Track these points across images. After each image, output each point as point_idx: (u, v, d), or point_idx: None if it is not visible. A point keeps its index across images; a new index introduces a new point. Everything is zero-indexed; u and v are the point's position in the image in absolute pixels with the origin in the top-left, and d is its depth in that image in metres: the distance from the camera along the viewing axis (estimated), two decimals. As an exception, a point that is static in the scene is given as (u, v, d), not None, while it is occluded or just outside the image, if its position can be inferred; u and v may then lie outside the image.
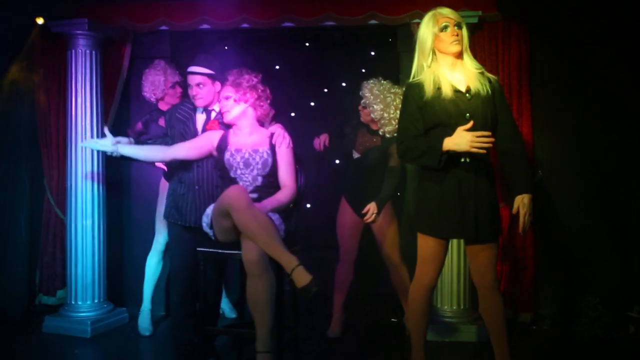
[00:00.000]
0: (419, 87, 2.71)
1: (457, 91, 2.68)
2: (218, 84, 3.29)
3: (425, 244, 2.77)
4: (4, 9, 3.92)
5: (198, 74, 3.24)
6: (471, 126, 2.59)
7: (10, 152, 4.19)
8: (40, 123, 4.23)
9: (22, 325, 4.08)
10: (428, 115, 2.68)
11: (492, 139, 2.61)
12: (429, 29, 2.71)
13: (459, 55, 2.72)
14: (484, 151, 2.60)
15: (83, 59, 3.95)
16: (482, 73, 2.74)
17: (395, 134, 3.60)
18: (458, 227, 2.68)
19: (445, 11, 2.72)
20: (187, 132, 3.31)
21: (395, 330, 4.00)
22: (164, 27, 4.10)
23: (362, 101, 3.70)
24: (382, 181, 3.69)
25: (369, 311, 4.45)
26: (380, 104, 3.61)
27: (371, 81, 3.70)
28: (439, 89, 2.67)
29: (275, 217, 3.02)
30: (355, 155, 3.79)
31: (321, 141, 3.82)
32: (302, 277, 2.80)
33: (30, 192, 4.27)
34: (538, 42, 3.94)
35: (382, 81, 3.69)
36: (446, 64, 2.72)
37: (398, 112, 3.55)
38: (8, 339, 3.85)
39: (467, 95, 2.68)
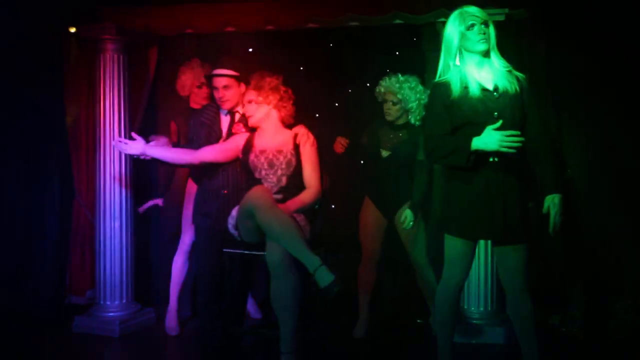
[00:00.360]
0: (445, 86, 2.69)
1: (484, 90, 2.65)
2: (243, 86, 3.31)
3: (453, 244, 2.74)
4: (35, 16, 4.02)
5: (224, 76, 3.26)
6: (500, 125, 2.56)
7: (41, 154, 4.27)
8: (70, 126, 4.31)
9: (53, 325, 4.15)
10: (455, 115, 2.65)
11: (521, 139, 2.57)
12: (455, 28, 2.68)
13: (487, 54, 2.68)
14: (514, 150, 2.56)
15: (111, 63, 4.01)
16: (510, 71, 2.70)
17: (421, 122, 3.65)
18: (485, 228, 2.65)
19: (472, 9, 2.68)
20: (212, 136, 3.33)
21: (421, 331, 3.97)
22: (189, 30, 4.14)
23: (390, 98, 3.66)
24: (408, 179, 3.67)
25: (394, 312, 4.42)
26: (410, 90, 3.60)
27: (389, 78, 3.69)
28: (465, 87, 2.64)
29: (301, 217, 3.03)
30: (385, 153, 3.76)
31: (339, 143, 3.78)
32: (324, 277, 2.80)
33: (60, 194, 4.35)
34: (562, 39, 3.87)
35: (399, 76, 3.68)
36: (473, 62, 2.68)
37: (420, 99, 3.60)
38: (40, 339, 3.93)
39: (495, 93, 2.64)
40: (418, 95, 3.64)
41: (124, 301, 4.09)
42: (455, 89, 2.65)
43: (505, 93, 2.64)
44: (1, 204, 4.10)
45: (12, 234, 4.17)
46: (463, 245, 2.72)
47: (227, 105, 3.31)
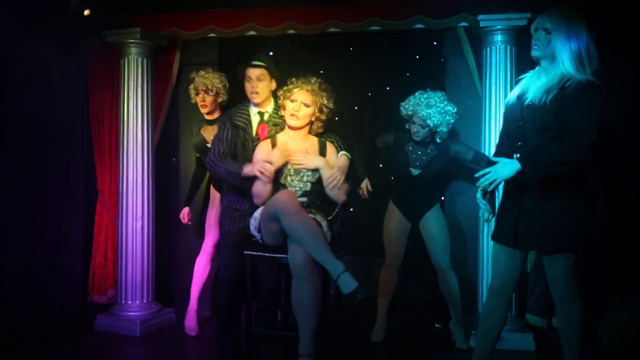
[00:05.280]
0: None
1: (518, 99, 2.68)
2: (274, 83, 3.34)
3: (494, 250, 2.81)
4: (60, 22, 4.10)
5: (259, 66, 3.29)
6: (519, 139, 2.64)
7: (66, 157, 4.35)
8: (94, 128, 4.38)
9: (76, 323, 4.22)
10: (504, 124, 2.82)
11: (483, 183, 2.59)
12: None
13: (545, 61, 2.61)
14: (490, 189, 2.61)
15: (135, 66, 4.07)
16: (562, 81, 2.54)
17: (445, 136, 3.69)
18: (521, 237, 2.65)
19: (545, 14, 2.61)
20: (247, 139, 3.32)
21: (440, 336, 3.96)
22: (211, 35, 4.19)
23: (419, 118, 3.60)
24: (433, 189, 3.76)
25: (413, 316, 4.41)
26: (441, 115, 3.56)
27: (415, 99, 3.62)
28: (512, 96, 2.75)
29: (325, 223, 3.05)
30: (415, 172, 3.74)
31: (364, 189, 3.77)
32: (348, 284, 2.79)
33: (84, 195, 4.42)
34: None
35: (427, 96, 3.60)
36: (537, 69, 2.68)
37: (448, 122, 3.59)
38: (63, 336, 3.99)
39: (525, 103, 2.63)
40: (447, 118, 3.59)
41: (145, 301, 4.15)
42: (510, 95, 2.76)
43: (532, 103, 2.60)
44: (33, 205, 4.18)
45: (45, 234, 4.25)
46: (499, 250, 2.76)
47: (257, 99, 3.31)
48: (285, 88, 3.27)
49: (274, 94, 3.41)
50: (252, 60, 3.32)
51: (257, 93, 3.30)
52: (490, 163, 2.66)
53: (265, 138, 3.31)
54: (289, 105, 3.22)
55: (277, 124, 3.36)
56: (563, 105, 2.50)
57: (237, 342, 3.36)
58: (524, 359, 3.58)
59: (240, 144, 3.31)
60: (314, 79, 3.26)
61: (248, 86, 3.32)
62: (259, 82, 3.29)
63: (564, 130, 2.50)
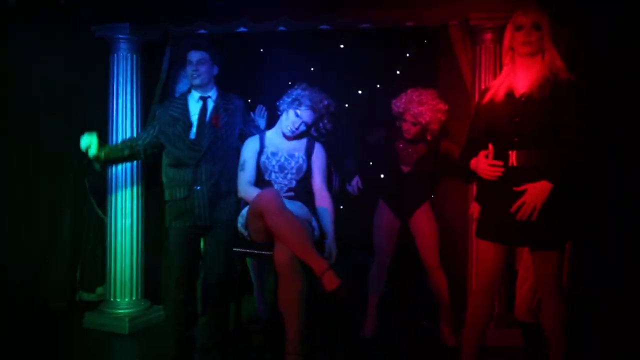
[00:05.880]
0: (485, 91, 2.74)
1: (509, 95, 2.63)
2: (216, 68, 3.37)
3: (482, 248, 2.80)
4: (53, 15, 4.06)
5: (200, 50, 3.32)
6: (490, 151, 2.63)
7: (56, 153, 4.32)
8: (84, 124, 4.35)
9: (65, 320, 4.20)
10: (481, 120, 2.71)
11: (500, 169, 2.60)
12: (509, 29, 2.68)
13: (533, 57, 2.62)
14: (495, 178, 2.62)
15: (124, 62, 4.04)
16: (551, 76, 2.59)
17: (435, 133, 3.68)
18: (513, 233, 2.65)
19: (526, 11, 2.64)
20: (186, 129, 3.28)
21: (429, 333, 3.98)
22: (202, 31, 4.16)
23: (411, 115, 3.59)
24: (425, 185, 3.74)
25: (403, 313, 4.43)
26: (432, 112, 3.56)
27: (412, 94, 3.62)
28: (495, 92, 2.67)
29: (313, 219, 3.06)
30: (405, 169, 3.75)
31: (354, 186, 3.77)
32: (331, 281, 2.81)
33: (73, 192, 4.39)
34: (588, 40, 3.80)
35: (421, 90, 3.62)
36: (521, 65, 2.65)
37: (440, 120, 3.59)
38: (51, 333, 3.98)
39: (522, 98, 2.61)
40: (439, 116, 3.60)
41: (134, 298, 4.13)
42: (488, 93, 2.68)
43: (530, 97, 2.59)
44: (28, 202, 4.16)
45: (36, 230, 4.23)
46: (486, 248, 2.76)
47: (198, 81, 3.31)
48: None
49: (217, 80, 3.44)
50: (192, 45, 3.36)
51: (198, 77, 3.30)
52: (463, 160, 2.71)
53: (219, 126, 3.29)
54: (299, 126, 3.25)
55: (227, 109, 3.35)
56: (559, 99, 2.55)
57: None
58: (513, 355, 3.60)
59: (176, 136, 3.28)
60: (328, 102, 3.37)
61: (189, 69, 3.34)
62: (200, 64, 3.30)
63: (564, 128, 2.55)
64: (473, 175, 2.75)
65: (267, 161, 3.24)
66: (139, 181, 4.14)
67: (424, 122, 3.59)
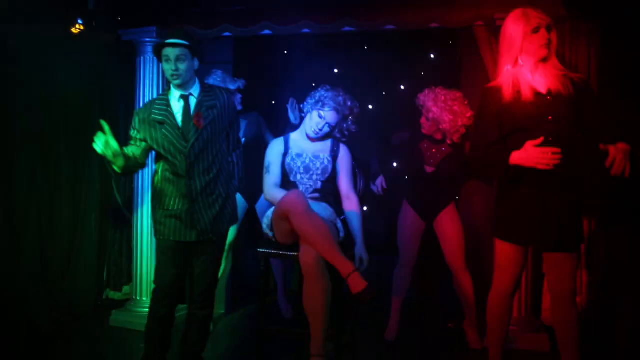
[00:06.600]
0: (497, 90, 2.63)
1: (537, 93, 2.58)
2: (196, 61, 2.99)
3: (502, 249, 2.72)
4: (80, 21, 4.13)
5: (178, 45, 2.86)
6: (541, 142, 2.48)
7: (84, 154, 4.39)
8: (111, 126, 4.40)
9: (92, 319, 4.26)
10: (507, 120, 2.59)
11: (559, 156, 2.46)
12: (520, 28, 2.58)
13: (544, 58, 2.61)
14: (551, 167, 2.47)
15: (151, 65, 4.10)
16: (564, 74, 2.61)
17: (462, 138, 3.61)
18: (536, 233, 2.60)
19: (537, 11, 2.59)
20: (173, 132, 2.92)
21: (454, 335, 3.95)
22: (227, 34, 4.20)
23: (428, 114, 3.60)
24: (449, 186, 3.72)
25: (427, 316, 4.40)
26: (450, 114, 3.54)
27: (431, 91, 3.61)
28: (518, 91, 2.58)
29: (338, 220, 3.06)
30: (429, 169, 3.73)
31: (379, 186, 3.78)
32: (357, 284, 2.80)
33: (100, 192, 4.46)
34: (609, 41, 3.76)
35: (443, 89, 3.60)
36: (528, 65, 2.61)
37: (464, 118, 3.53)
38: (79, 332, 4.04)
39: (549, 97, 2.57)
40: (459, 124, 3.56)
41: (160, 297, 4.17)
42: (507, 93, 2.58)
43: (558, 96, 2.56)
44: (52, 202, 4.23)
45: (60, 230, 4.30)
46: (512, 250, 2.69)
47: (179, 81, 2.90)
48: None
49: (197, 74, 3.06)
50: (169, 38, 2.89)
51: (179, 76, 2.89)
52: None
53: (201, 125, 2.93)
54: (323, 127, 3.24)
55: (211, 107, 2.98)
56: (582, 97, 2.57)
57: (251, 339, 3.36)
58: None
59: (163, 138, 2.94)
60: (351, 103, 3.37)
61: (168, 68, 2.90)
62: (180, 63, 2.87)
63: (590, 123, 2.56)
64: (511, 169, 2.57)
65: (292, 162, 3.25)
66: (165, 182, 4.18)
67: (441, 127, 3.58)
